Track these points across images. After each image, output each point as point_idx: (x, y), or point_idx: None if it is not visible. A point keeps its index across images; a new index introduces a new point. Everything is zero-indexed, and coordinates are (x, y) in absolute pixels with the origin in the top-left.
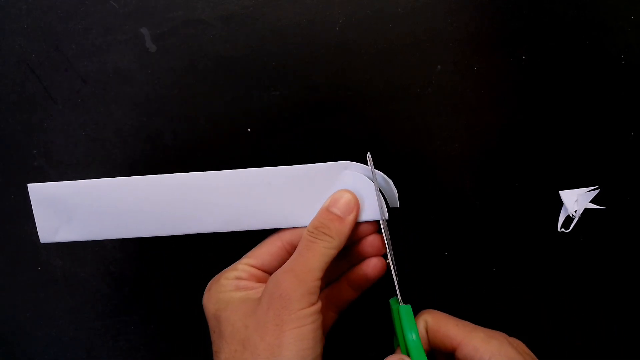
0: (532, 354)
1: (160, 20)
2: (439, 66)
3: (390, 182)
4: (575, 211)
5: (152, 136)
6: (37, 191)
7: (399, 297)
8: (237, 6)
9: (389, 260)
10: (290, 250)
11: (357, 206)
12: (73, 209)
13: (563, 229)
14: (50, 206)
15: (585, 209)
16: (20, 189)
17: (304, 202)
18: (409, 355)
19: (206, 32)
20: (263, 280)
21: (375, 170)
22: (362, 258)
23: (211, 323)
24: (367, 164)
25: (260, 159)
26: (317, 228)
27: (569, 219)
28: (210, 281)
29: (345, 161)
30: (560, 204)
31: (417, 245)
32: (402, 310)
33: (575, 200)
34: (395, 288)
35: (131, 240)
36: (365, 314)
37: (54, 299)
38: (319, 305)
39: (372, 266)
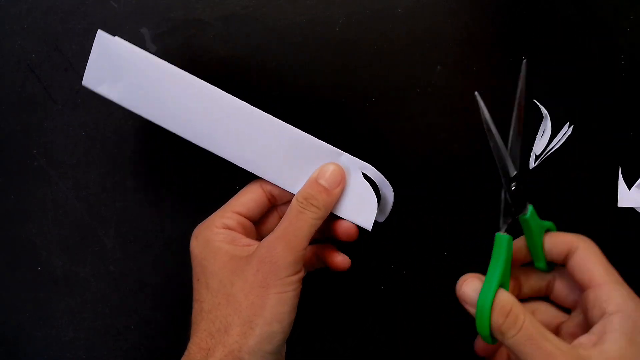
0: None
1: (160, 20)
2: (439, 66)
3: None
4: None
5: (152, 136)
6: (103, 41)
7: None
8: (237, 6)
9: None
10: (271, 199)
11: (343, 179)
12: (127, 72)
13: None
14: (108, 58)
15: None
16: (21, 189)
17: (294, 165)
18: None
19: (206, 32)
20: (250, 232)
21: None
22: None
23: (196, 270)
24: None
25: None
26: (307, 199)
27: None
28: (198, 227)
29: (342, 152)
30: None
31: (417, 245)
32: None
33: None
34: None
35: (131, 239)
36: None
37: (54, 299)
38: (302, 274)
39: (338, 260)
